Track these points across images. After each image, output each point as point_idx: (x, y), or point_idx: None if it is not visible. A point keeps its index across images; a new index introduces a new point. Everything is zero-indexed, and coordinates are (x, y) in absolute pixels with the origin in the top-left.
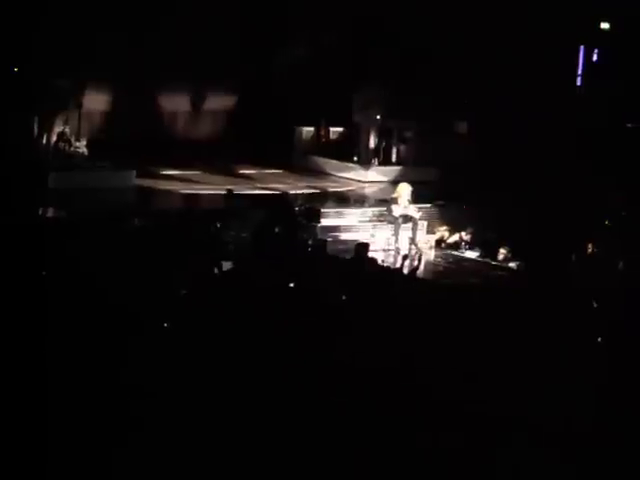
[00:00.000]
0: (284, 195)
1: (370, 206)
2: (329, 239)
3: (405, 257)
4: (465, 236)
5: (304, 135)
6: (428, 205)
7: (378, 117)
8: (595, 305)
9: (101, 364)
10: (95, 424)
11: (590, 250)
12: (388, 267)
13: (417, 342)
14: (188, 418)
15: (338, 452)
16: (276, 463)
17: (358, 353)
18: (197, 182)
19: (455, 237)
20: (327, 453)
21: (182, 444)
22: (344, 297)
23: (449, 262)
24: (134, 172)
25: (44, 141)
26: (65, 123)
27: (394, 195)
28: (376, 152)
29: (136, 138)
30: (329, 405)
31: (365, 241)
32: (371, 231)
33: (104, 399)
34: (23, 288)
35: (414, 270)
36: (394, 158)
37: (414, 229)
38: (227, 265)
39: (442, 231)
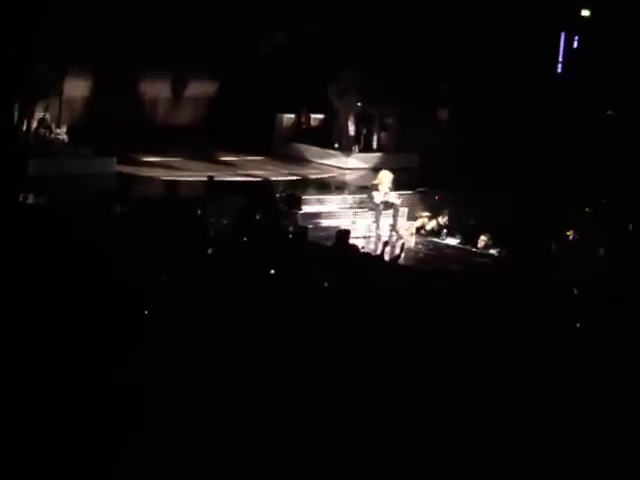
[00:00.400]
0: (265, 182)
1: (351, 193)
2: (310, 226)
3: (386, 243)
4: (442, 222)
5: (285, 122)
6: (409, 192)
7: (358, 104)
8: (575, 292)
9: (83, 353)
10: (92, 421)
11: (571, 237)
12: (369, 254)
13: (398, 328)
14: (175, 406)
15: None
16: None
17: (341, 339)
18: (178, 169)
19: (433, 223)
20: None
21: (177, 440)
22: (326, 284)
23: (429, 249)
24: (115, 159)
25: (24, 127)
26: (45, 110)
27: (375, 182)
28: (357, 139)
29: (117, 125)
30: (315, 392)
31: (346, 228)
32: (352, 218)
33: (94, 394)
34: (7, 276)
35: (396, 257)
36: (375, 145)
37: (395, 216)
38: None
39: (423, 218)
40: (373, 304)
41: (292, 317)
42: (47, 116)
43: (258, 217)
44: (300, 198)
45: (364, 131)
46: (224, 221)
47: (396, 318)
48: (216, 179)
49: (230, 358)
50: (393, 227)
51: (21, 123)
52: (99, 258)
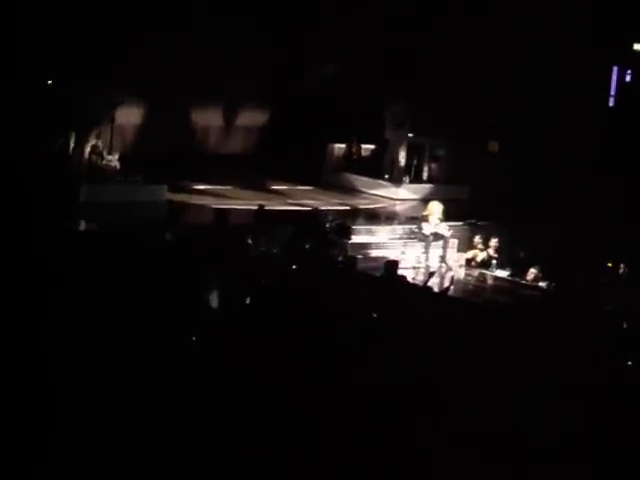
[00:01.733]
0: (315, 211)
1: (401, 224)
2: (359, 256)
3: (432, 273)
4: (493, 254)
5: (335, 152)
6: (459, 223)
7: (410, 135)
8: (625, 326)
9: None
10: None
11: (621, 271)
12: (417, 285)
13: (446, 359)
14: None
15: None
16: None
17: (388, 369)
18: (228, 197)
19: (483, 255)
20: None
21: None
22: (375, 315)
23: (479, 281)
24: (165, 186)
25: (77, 154)
26: (98, 137)
27: (425, 213)
28: (407, 170)
29: (168, 152)
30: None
31: (395, 259)
32: (401, 249)
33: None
34: (56, 299)
35: (446, 289)
36: (425, 176)
37: (444, 247)
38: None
39: (474, 249)
40: (418, 336)
41: (338, 346)
42: (99, 143)
43: (308, 246)
44: (350, 228)
45: (414, 162)
46: (274, 250)
47: (441, 350)
48: (266, 208)
49: (277, 387)
50: (442, 258)
51: (74, 150)
52: (151, 285)
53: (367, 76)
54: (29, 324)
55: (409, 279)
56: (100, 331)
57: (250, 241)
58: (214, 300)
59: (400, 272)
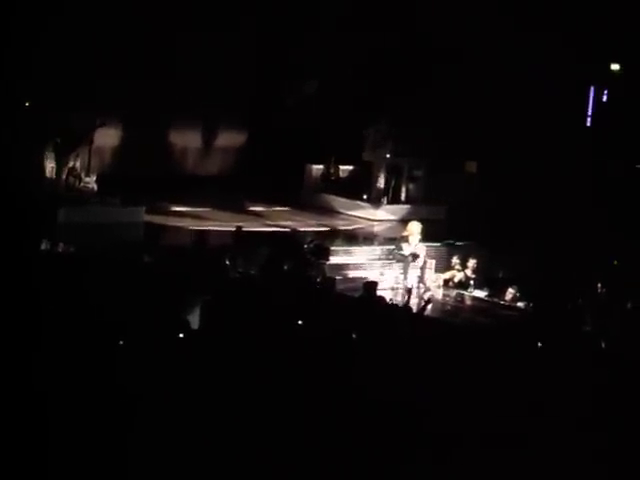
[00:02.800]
0: (293, 232)
1: (379, 244)
2: (338, 277)
3: (409, 291)
4: (471, 274)
5: (314, 172)
6: (437, 244)
7: (388, 155)
8: (603, 346)
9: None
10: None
11: (598, 290)
12: (396, 305)
13: (424, 380)
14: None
15: None
16: None
17: (366, 389)
18: (206, 218)
19: (461, 275)
20: None
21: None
22: (354, 335)
23: (457, 301)
24: (143, 208)
25: (54, 176)
26: (75, 158)
27: (405, 233)
28: (386, 190)
29: (146, 174)
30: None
31: (373, 279)
32: (380, 270)
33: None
34: (31, 322)
35: (422, 308)
36: (403, 196)
37: (422, 268)
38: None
39: (453, 270)
40: (398, 356)
41: (315, 367)
42: (77, 165)
43: (286, 267)
44: (328, 249)
45: (393, 182)
46: (252, 271)
47: (420, 370)
48: (244, 229)
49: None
50: (421, 279)
51: (51, 171)
52: (125, 306)
53: (345, 97)
54: (6, 346)
55: (388, 300)
56: (78, 352)
57: (228, 262)
58: (193, 321)
59: (379, 293)
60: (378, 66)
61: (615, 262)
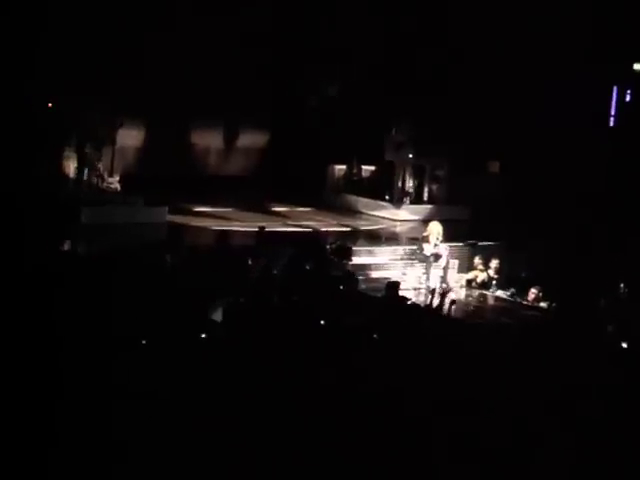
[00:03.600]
0: (315, 232)
1: (401, 245)
2: (360, 277)
3: (433, 291)
4: (493, 274)
5: (336, 173)
6: (459, 244)
7: (410, 155)
8: (625, 346)
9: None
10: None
11: (621, 291)
12: (418, 305)
13: (446, 380)
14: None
15: None
16: None
17: (387, 389)
18: (229, 219)
19: (483, 275)
20: None
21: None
22: (375, 335)
23: (480, 301)
24: (166, 208)
25: (77, 176)
26: (99, 159)
27: (425, 234)
28: (408, 191)
29: (168, 174)
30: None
31: (396, 279)
32: (402, 270)
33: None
34: (55, 322)
35: (449, 308)
36: (426, 197)
37: (445, 268)
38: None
39: (476, 270)
40: (421, 356)
41: (338, 366)
42: (100, 165)
43: (308, 267)
44: (350, 249)
45: (415, 183)
46: (275, 271)
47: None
48: (267, 229)
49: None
50: (443, 279)
51: (74, 171)
52: (148, 307)
53: (368, 97)
54: (29, 345)
55: (411, 300)
56: (102, 353)
57: (250, 262)
58: (217, 320)
59: (401, 293)
60: (400, 66)
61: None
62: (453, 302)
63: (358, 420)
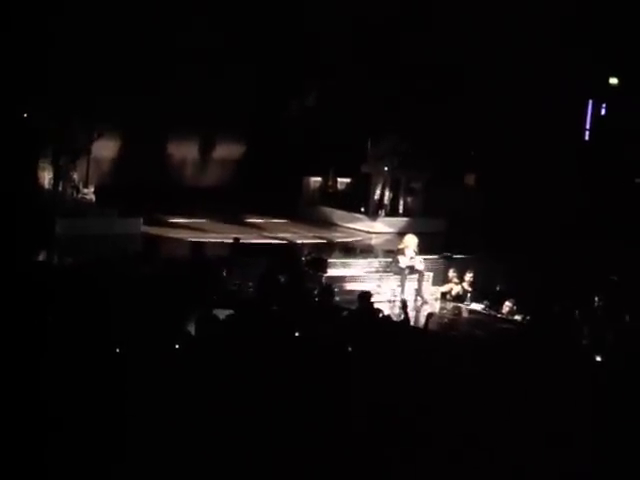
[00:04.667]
0: (290, 244)
1: (376, 257)
2: (335, 289)
3: (404, 303)
4: (468, 287)
5: (311, 185)
6: (435, 256)
7: (386, 168)
8: (599, 359)
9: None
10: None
11: (596, 303)
12: (390, 317)
13: (419, 393)
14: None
15: None
16: None
17: (361, 404)
18: (204, 230)
19: (458, 288)
20: None
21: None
22: (350, 348)
23: (454, 314)
24: (141, 219)
25: (52, 187)
26: (73, 169)
27: (401, 246)
28: (383, 203)
29: (143, 185)
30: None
31: (367, 290)
32: (377, 282)
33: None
34: (28, 335)
35: (426, 323)
36: (401, 209)
37: (420, 280)
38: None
39: (451, 283)
40: (395, 368)
41: (312, 379)
42: (75, 176)
43: (283, 280)
44: (325, 261)
45: (390, 195)
46: (249, 283)
47: (416, 383)
48: (242, 241)
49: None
50: (418, 292)
51: (49, 182)
52: (122, 319)
53: (344, 109)
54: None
55: (385, 312)
56: (75, 364)
57: (225, 274)
58: (191, 333)
59: (376, 305)
60: (379, 79)
61: (614, 278)
62: (430, 315)
63: (335, 433)
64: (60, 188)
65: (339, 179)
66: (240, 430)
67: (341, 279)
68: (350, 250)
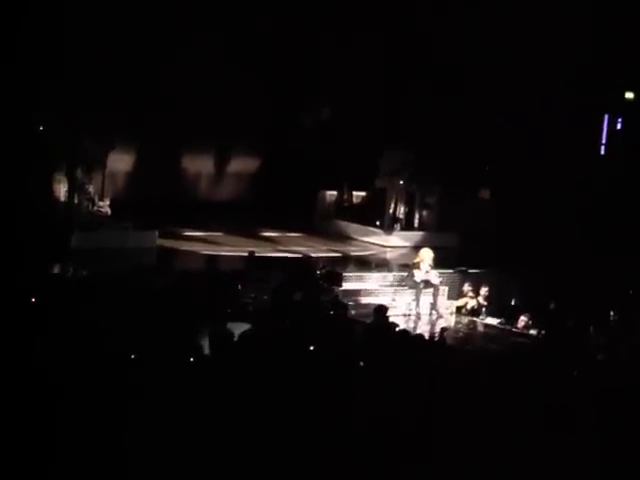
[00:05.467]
0: (305, 258)
1: (391, 271)
2: (350, 303)
3: (444, 329)
4: (483, 301)
5: (327, 198)
6: (449, 271)
7: (401, 182)
8: (615, 372)
9: (113, 427)
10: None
11: (611, 318)
12: (407, 331)
13: (434, 407)
14: None
15: None
16: None
17: (374, 418)
18: (219, 243)
19: (473, 302)
20: None
21: None
22: (361, 363)
23: (470, 328)
24: (156, 232)
25: (68, 200)
26: (89, 182)
27: (416, 260)
28: (398, 217)
29: (159, 198)
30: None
31: (383, 304)
32: (392, 296)
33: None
34: (42, 348)
35: (441, 337)
36: (416, 223)
37: (435, 295)
38: (244, 327)
39: (466, 297)
40: (409, 382)
41: (326, 394)
42: (91, 189)
43: (298, 293)
44: (340, 275)
45: (406, 209)
46: (264, 297)
47: (431, 398)
48: (257, 255)
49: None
50: (433, 306)
51: (65, 195)
52: (137, 331)
53: (360, 124)
54: (15, 372)
55: (400, 326)
56: (89, 379)
57: (240, 287)
58: (205, 347)
59: (391, 319)
60: (394, 93)
61: (630, 292)
62: (444, 330)
63: (346, 447)
64: (76, 201)
65: (354, 193)
66: (249, 441)
67: (356, 293)
68: (365, 264)
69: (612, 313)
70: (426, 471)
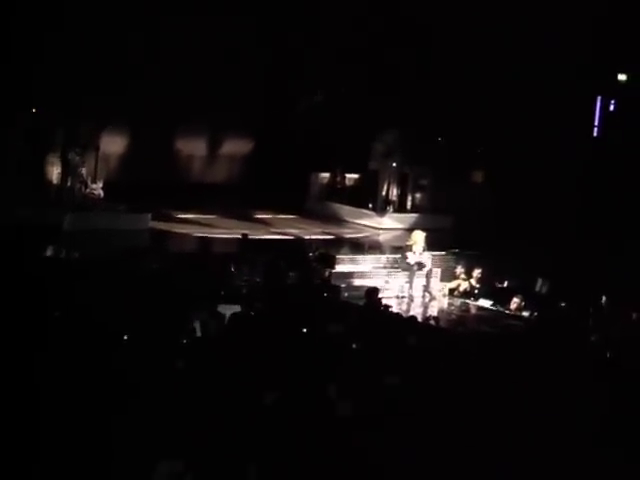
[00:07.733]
0: (298, 240)
1: (384, 253)
2: (343, 285)
3: (411, 299)
4: (476, 283)
5: (320, 181)
6: (442, 253)
7: (394, 164)
8: (609, 355)
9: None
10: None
11: (603, 300)
12: (399, 313)
13: (427, 389)
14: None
15: None
16: None
17: (365, 399)
18: (212, 226)
19: (466, 284)
20: None
21: None
22: (354, 345)
23: (462, 310)
24: (149, 215)
25: (61, 182)
26: (82, 165)
27: (409, 242)
28: (391, 199)
29: (152, 181)
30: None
31: (375, 286)
32: (385, 278)
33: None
34: (34, 329)
35: (436, 319)
36: (409, 205)
37: (428, 277)
38: (236, 309)
39: (459, 279)
40: (402, 364)
41: (317, 374)
42: (83, 171)
43: (291, 275)
44: (333, 257)
45: (399, 191)
46: (257, 279)
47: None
48: (250, 237)
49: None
50: (426, 288)
51: (57, 177)
52: (130, 312)
53: (353, 105)
54: (8, 352)
55: (394, 309)
56: (82, 360)
57: (233, 269)
58: (198, 329)
59: (384, 301)
60: (386, 74)
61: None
62: (437, 319)
63: (340, 431)
64: (69, 183)
65: (347, 175)
66: (242, 425)
67: (349, 275)
68: (358, 246)
69: (603, 295)
70: (419, 451)
